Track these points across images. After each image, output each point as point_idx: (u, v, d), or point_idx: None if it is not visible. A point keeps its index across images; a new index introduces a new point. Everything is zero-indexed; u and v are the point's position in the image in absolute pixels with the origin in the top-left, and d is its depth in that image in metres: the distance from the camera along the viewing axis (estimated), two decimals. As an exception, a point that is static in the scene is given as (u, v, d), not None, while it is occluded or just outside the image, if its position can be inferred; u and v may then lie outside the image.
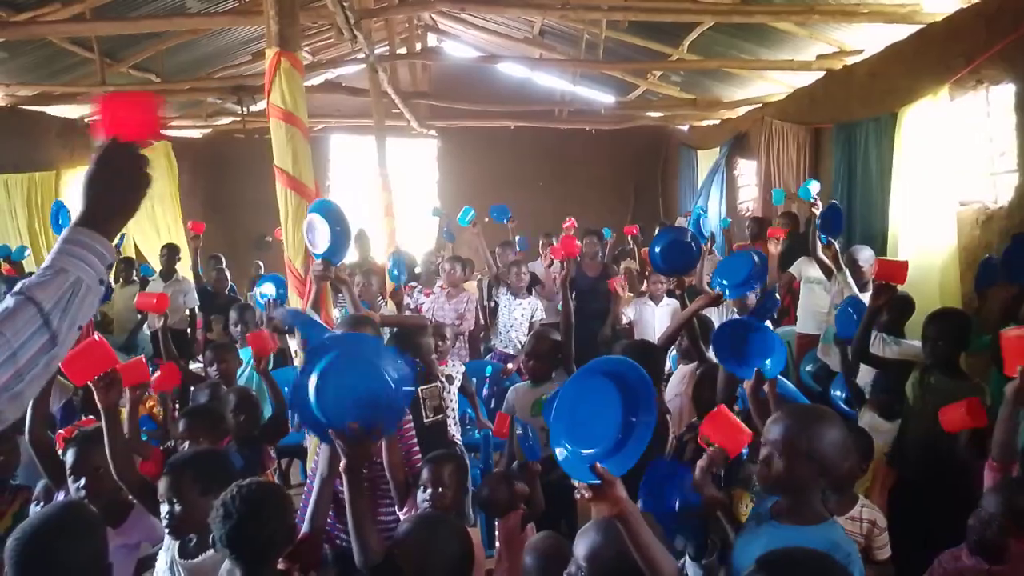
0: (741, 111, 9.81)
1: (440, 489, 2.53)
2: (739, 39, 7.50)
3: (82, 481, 2.34)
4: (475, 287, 6.14)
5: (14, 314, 1.13)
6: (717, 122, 10.85)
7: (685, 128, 12.16)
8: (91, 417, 3.13)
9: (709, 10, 5.83)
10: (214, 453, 2.46)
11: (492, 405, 5.00)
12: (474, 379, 4.96)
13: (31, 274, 1.19)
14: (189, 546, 2.13)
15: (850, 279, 4.63)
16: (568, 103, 10.87)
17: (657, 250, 3.90)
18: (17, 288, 1.16)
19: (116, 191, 1.28)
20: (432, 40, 12.72)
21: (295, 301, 3.85)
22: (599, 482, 1.52)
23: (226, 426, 3.06)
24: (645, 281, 6.08)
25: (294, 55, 3.87)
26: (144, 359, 2.86)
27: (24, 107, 8.23)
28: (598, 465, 1.53)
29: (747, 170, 9.80)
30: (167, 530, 2.13)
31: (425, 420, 3.47)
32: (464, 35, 11.85)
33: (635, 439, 1.62)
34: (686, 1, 5.68)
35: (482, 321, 5.92)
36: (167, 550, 2.16)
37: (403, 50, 10.51)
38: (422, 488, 2.56)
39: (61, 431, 2.89)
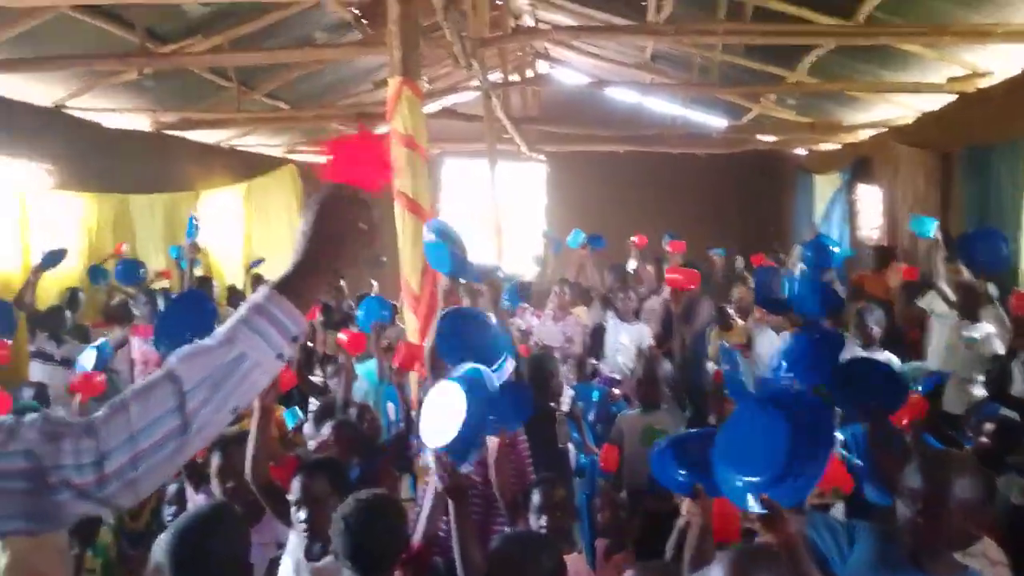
0: (863, 135, 9.45)
1: (558, 515, 2.54)
2: (860, 61, 7.24)
3: (229, 484, 2.48)
4: (583, 312, 6.14)
5: (150, 390, 1.02)
6: (838, 146, 10.47)
7: (802, 152, 11.81)
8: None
9: (830, 32, 5.67)
10: (341, 462, 2.58)
11: (599, 430, 4.98)
12: (580, 403, 4.96)
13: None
14: (314, 549, 2.24)
15: (1003, 312, 4.33)
16: (679, 127, 10.78)
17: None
18: (172, 356, 1.07)
19: (335, 244, 1.15)
20: (543, 67, 12.94)
21: (409, 319, 3.99)
22: (766, 512, 1.52)
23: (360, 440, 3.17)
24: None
25: (415, 83, 4.06)
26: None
27: (167, 132, 8.91)
28: (765, 496, 1.53)
29: (870, 197, 9.40)
30: (303, 532, 2.25)
31: (560, 446, 3.49)
32: (575, 61, 11.98)
33: (809, 473, 1.59)
34: (806, 23, 5.54)
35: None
36: (292, 553, 2.29)
37: (515, 77, 10.74)
38: (536, 513, 2.58)
39: None
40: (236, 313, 1.10)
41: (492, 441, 2.84)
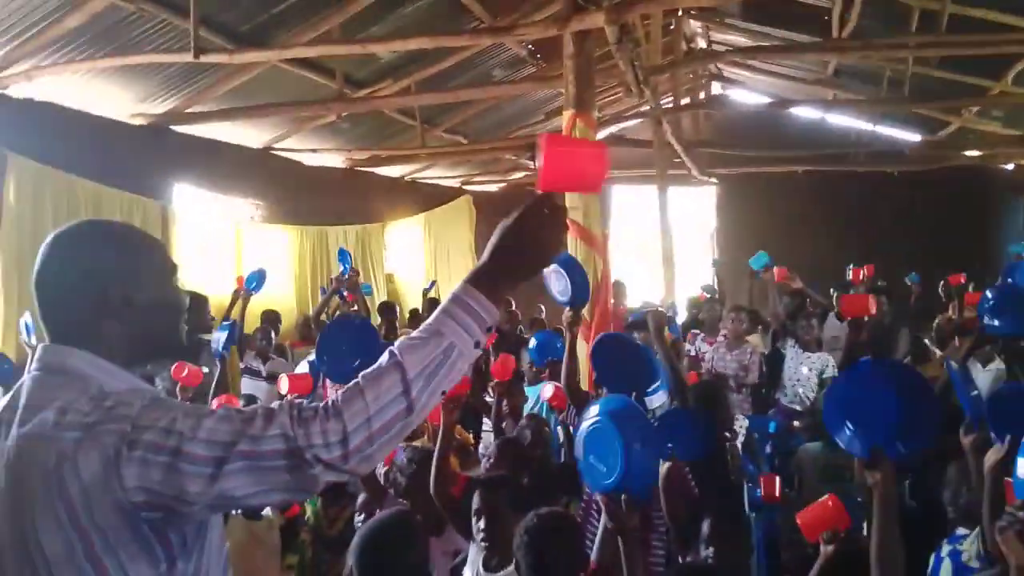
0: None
1: (726, 547, 2.50)
2: (1080, 66, 6.53)
3: (414, 498, 2.66)
4: (758, 339, 5.93)
5: (380, 378, 1.15)
6: (1052, 160, 9.44)
7: (1010, 167, 10.73)
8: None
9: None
10: (516, 479, 2.68)
11: (776, 463, 4.78)
12: (756, 435, 4.80)
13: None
14: (493, 561, 2.35)
15: None
16: (865, 144, 10.16)
17: None
18: (393, 348, 1.19)
19: (528, 249, 1.23)
20: (717, 88, 12.69)
21: (580, 346, 4.06)
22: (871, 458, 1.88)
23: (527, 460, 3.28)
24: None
25: (588, 115, 4.17)
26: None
27: (359, 168, 9.66)
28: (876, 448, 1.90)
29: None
30: (482, 544, 2.37)
31: (732, 478, 3.43)
32: (751, 81, 11.66)
33: (919, 438, 2.00)
34: (1011, 30, 5.08)
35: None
36: (472, 564, 2.41)
37: (687, 99, 10.63)
38: (704, 543, 2.55)
39: None
40: (442, 307, 1.20)
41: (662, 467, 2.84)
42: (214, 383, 3.86)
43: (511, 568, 2.29)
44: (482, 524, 2.35)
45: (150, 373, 3.84)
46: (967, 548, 2.35)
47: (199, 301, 4.54)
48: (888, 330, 4.88)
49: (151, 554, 1.17)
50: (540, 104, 10.19)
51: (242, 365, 5.88)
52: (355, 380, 1.17)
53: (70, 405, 1.17)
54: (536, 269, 1.25)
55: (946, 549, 2.43)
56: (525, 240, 1.22)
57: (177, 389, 3.51)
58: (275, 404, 1.17)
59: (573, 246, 4.14)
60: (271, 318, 6.70)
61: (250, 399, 4.77)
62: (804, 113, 11.46)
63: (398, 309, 8.29)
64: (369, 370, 1.18)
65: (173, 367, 3.49)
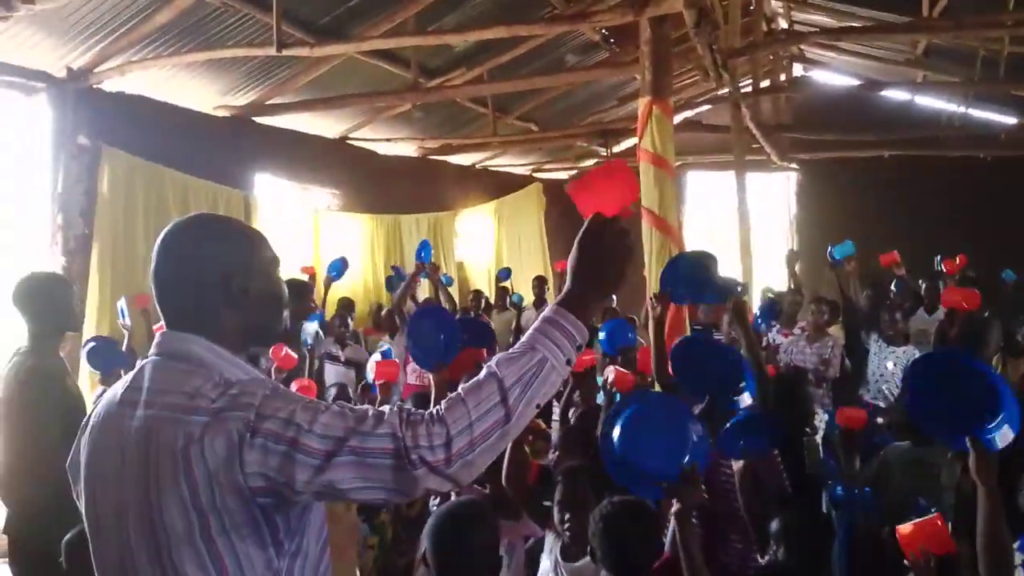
0: None
1: (796, 546, 2.44)
2: None
3: (488, 486, 2.69)
4: (838, 331, 5.74)
5: (479, 387, 1.23)
6: None
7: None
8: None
9: None
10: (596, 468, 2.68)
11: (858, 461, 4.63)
12: (837, 430, 4.65)
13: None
14: (571, 549, 2.36)
15: None
16: (957, 127, 9.67)
17: None
18: (491, 361, 1.27)
19: (602, 268, 1.33)
20: (799, 69, 12.26)
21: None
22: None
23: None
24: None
25: (665, 102, 4.09)
26: None
27: (431, 157, 9.75)
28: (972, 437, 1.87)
29: None
30: (565, 532, 2.38)
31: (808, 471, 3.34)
32: (834, 62, 11.23)
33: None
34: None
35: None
36: (550, 552, 2.42)
37: (767, 82, 10.31)
38: (775, 542, 2.49)
39: None
40: (534, 327, 1.30)
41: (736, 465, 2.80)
42: (306, 370, 3.98)
43: (588, 559, 2.30)
44: (567, 515, 2.36)
45: (256, 354, 4.00)
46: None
47: (303, 289, 4.69)
48: (982, 323, 4.63)
49: (260, 536, 1.24)
50: (613, 89, 10.06)
51: (322, 351, 6.05)
52: (457, 392, 1.24)
53: (197, 391, 1.25)
54: (616, 286, 1.35)
55: (1019, 558, 2.30)
56: (601, 263, 1.33)
57: (272, 369, 3.64)
58: (386, 408, 1.24)
59: (648, 234, 4.09)
60: (347, 305, 6.85)
61: (342, 387, 4.90)
62: (891, 95, 10.98)
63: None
64: (469, 383, 1.25)
65: (272, 348, 3.60)
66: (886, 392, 4.92)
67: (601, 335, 4.65)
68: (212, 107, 6.51)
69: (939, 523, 2.14)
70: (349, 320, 6.62)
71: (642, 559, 2.00)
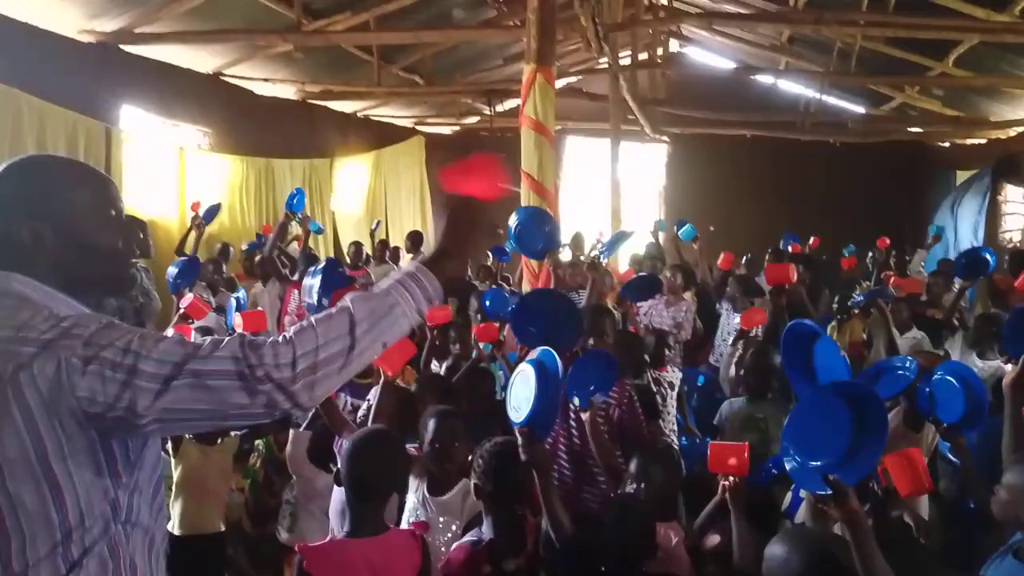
0: (1014, 131, 8.89)
1: (644, 486, 2.71)
2: (1014, 53, 6.83)
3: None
4: (692, 297, 6.19)
5: (330, 318, 1.32)
6: (983, 141, 9.88)
7: (945, 146, 11.19)
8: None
9: (976, 28, 5.39)
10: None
11: (702, 415, 5.07)
12: (685, 387, 5.06)
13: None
14: (438, 485, 2.54)
15: None
16: (813, 114, 10.45)
17: None
18: (345, 298, 1.36)
19: (462, 239, 1.56)
20: (675, 45, 12.76)
21: (527, 288, 4.24)
22: (830, 492, 1.70)
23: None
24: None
25: (548, 70, 4.25)
26: None
27: (311, 101, 9.49)
28: (831, 476, 1.71)
29: (1016, 197, 8.84)
30: (432, 468, 2.55)
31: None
32: (708, 41, 11.77)
33: (867, 454, 1.78)
34: (953, 17, 5.30)
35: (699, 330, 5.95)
36: (416, 490, 2.58)
37: (645, 55, 10.69)
38: (630, 481, 2.76)
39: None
40: (396, 273, 1.44)
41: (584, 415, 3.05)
42: (175, 315, 3.92)
43: (454, 492, 2.52)
44: (438, 453, 2.52)
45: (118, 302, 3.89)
46: None
47: (136, 225, 4.48)
48: (808, 292, 5.16)
49: (97, 464, 1.26)
50: (500, 48, 10.13)
51: (191, 295, 5.89)
52: (308, 319, 1.32)
53: (24, 323, 1.24)
54: (472, 253, 1.52)
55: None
56: (457, 235, 1.56)
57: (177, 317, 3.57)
58: (228, 335, 1.31)
59: (526, 196, 4.26)
60: (223, 251, 6.67)
61: (206, 331, 4.80)
62: (758, 79, 11.69)
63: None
64: (322, 313, 1.34)
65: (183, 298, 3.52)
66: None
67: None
68: (77, 31, 6.07)
69: (744, 451, 2.33)
70: (223, 266, 6.45)
71: (519, 490, 2.20)
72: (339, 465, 2.14)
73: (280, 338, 1.27)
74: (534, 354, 2.36)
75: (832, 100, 11.05)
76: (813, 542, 1.83)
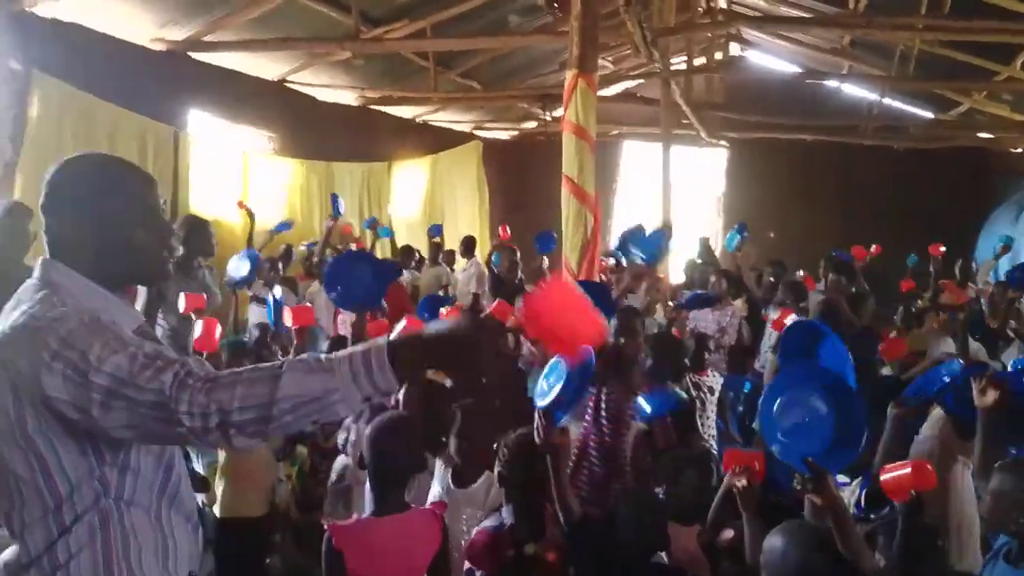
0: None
1: (672, 488, 2.74)
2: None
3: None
4: (742, 304, 6.16)
5: (256, 382, 1.25)
6: (1056, 147, 9.50)
7: (1017, 151, 10.78)
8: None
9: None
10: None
11: (747, 422, 5.05)
12: (731, 393, 5.05)
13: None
14: (463, 476, 2.65)
15: None
16: (875, 118, 10.21)
17: None
18: (286, 362, 1.29)
19: (461, 354, 1.30)
20: (735, 49, 12.64)
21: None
22: (811, 475, 1.82)
23: None
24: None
25: (590, 76, 4.33)
26: None
27: (371, 107, 9.76)
28: (810, 460, 1.83)
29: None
30: (458, 460, 2.68)
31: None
32: (768, 45, 11.63)
33: (847, 448, 1.93)
34: (1013, 20, 5.16)
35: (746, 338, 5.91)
36: (441, 479, 2.69)
37: (702, 59, 10.64)
38: (660, 483, 2.80)
39: None
40: (353, 349, 1.30)
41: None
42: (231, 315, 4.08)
43: (478, 484, 2.62)
44: (464, 445, 2.63)
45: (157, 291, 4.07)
46: (846, 496, 2.62)
47: (199, 225, 4.73)
48: (851, 301, 5.09)
49: (78, 442, 1.35)
50: (556, 53, 10.19)
51: (251, 293, 6.15)
52: (244, 369, 1.30)
53: (29, 310, 1.37)
54: (454, 369, 1.41)
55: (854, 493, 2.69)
56: (461, 345, 1.29)
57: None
58: (178, 360, 1.31)
59: (566, 200, 4.35)
60: (286, 252, 6.96)
61: (263, 328, 5.02)
62: (819, 81, 11.46)
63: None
64: (262, 366, 1.32)
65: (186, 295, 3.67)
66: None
67: None
68: (148, 39, 6.42)
69: (760, 459, 2.36)
70: (280, 265, 6.73)
71: (540, 483, 2.29)
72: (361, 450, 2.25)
73: (208, 382, 1.26)
74: None
75: (897, 104, 10.77)
76: (810, 535, 1.87)
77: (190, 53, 6.78)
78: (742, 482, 2.23)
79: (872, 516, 2.52)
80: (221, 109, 7.49)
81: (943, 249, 7.48)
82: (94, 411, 1.28)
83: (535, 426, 2.26)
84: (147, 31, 6.34)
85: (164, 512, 1.47)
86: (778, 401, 2.10)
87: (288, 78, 8.32)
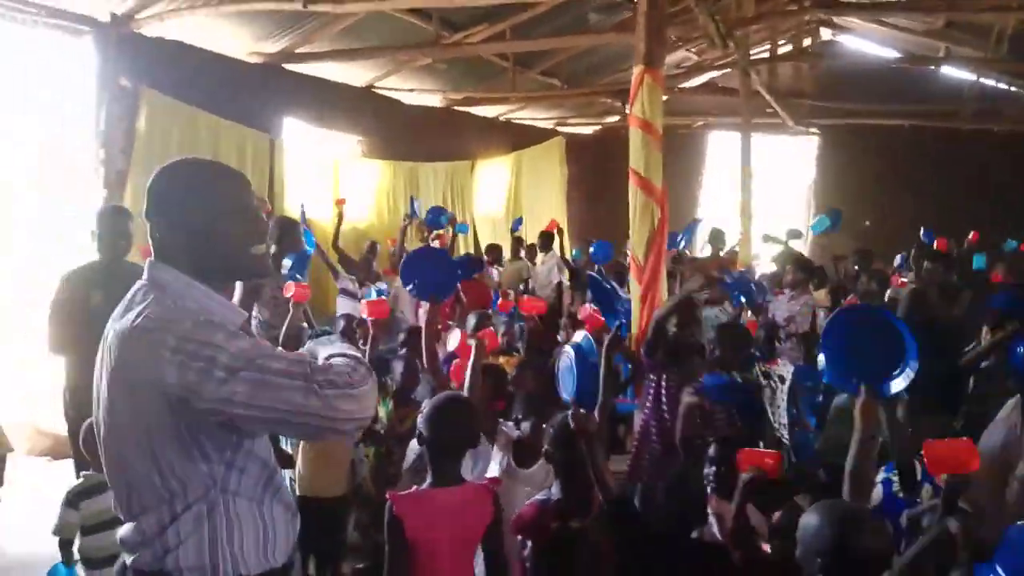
0: None
1: (723, 470, 2.81)
2: None
3: None
4: (825, 295, 6.06)
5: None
6: None
7: None
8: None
9: None
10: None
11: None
12: (808, 383, 5.01)
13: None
14: (525, 457, 2.82)
15: None
16: (973, 100, 9.73)
17: None
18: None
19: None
20: (827, 34, 12.26)
21: (633, 287, 4.41)
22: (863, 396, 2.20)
23: None
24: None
25: (657, 71, 4.40)
26: None
27: (455, 108, 10.05)
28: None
29: None
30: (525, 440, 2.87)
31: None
32: (860, 28, 11.23)
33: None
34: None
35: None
36: (499, 462, 2.87)
37: (789, 46, 10.40)
38: (708, 464, 2.89)
39: None
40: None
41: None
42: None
43: (539, 465, 2.79)
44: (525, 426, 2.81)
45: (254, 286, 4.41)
46: (899, 481, 2.63)
47: (291, 225, 5.09)
48: (942, 291, 4.94)
49: (186, 448, 1.46)
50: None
51: (340, 286, 6.51)
52: (349, 357, 1.57)
53: (143, 312, 1.47)
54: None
55: (880, 475, 2.69)
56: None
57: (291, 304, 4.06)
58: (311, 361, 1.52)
59: (633, 193, 4.43)
60: (371, 247, 7.33)
61: (348, 318, 5.33)
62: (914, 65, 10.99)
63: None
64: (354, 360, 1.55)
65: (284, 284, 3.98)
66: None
67: None
68: (245, 54, 6.88)
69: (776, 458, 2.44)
70: (371, 261, 7.09)
71: (584, 462, 2.43)
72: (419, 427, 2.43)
73: (319, 380, 1.45)
74: (578, 338, 2.59)
75: (997, 86, 10.21)
76: (845, 514, 1.93)
77: (284, 65, 7.22)
78: (748, 475, 2.29)
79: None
80: (313, 116, 7.93)
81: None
82: (208, 386, 1.38)
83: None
84: (245, 45, 6.80)
85: (267, 502, 1.58)
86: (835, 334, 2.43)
87: (375, 84, 8.70)
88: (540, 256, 8.69)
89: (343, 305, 5.90)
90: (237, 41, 6.70)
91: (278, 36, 6.89)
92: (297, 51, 7.13)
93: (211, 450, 1.48)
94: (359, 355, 1.59)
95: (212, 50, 6.53)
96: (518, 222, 9.44)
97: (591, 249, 6.93)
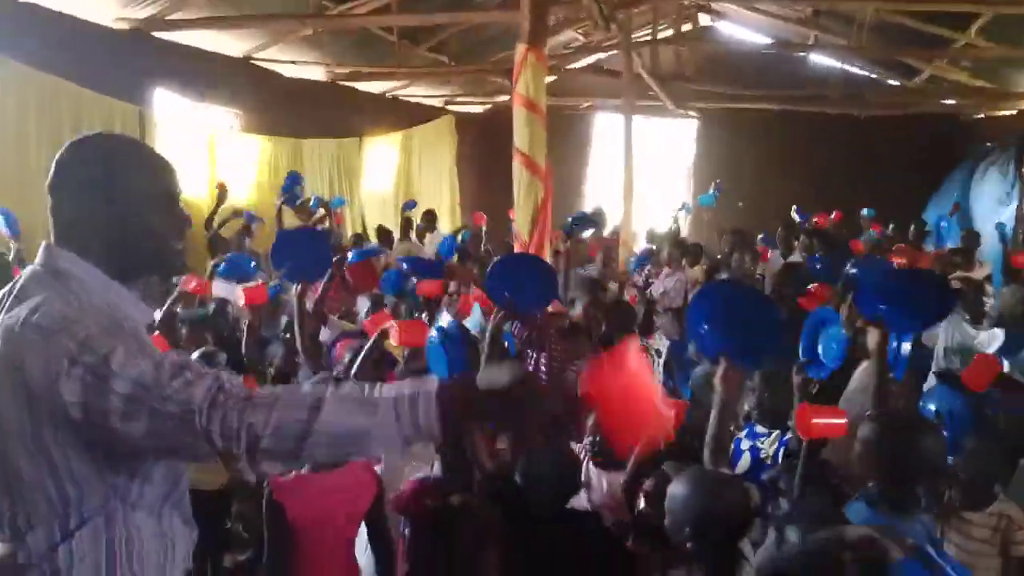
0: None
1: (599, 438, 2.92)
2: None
3: None
4: (700, 271, 6.34)
5: (294, 407, 1.20)
6: (1014, 113, 9.70)
7: (979, 117, 10.97)
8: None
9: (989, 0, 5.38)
10: None
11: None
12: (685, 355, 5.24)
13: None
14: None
15: None
16: (839, 86, 10.35)
17: None
18: (329, 392, 1.23)
19: (510, 412, 1.29)
20: (705, 19, 12.69)
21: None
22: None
23: None
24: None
25: (540, 50, 4.43)
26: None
27: (340, 83, 9.77)
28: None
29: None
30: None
31: None
32: (735, 14, 11.70)
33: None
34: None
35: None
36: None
37: (670, 31, 10.70)
38: (588, 433, 2.99)
39: None
40: (400, 390, 1.24)
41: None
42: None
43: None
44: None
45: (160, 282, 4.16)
46: (767, 447, 2.80)
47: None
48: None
49: (91, 452, 1.28)
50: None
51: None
52: (282, 391, 1.27)
53: (40, 306, 1.28)
54: (503, 426, 1.56)
55: (746, 443, 2.87)
56: (514, 405, 1.28)
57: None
58: (211, 373, 1.27)
59: (518, 173, 4.47)
60: (246, 228, 7.05)
61: (222, 303, 5.12)
62: (785, 51, 11.59)
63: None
64: (299, 389, 1.31)
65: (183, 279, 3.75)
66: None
67: None
68: (112, 19, 6.44)
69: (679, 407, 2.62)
70: (247, 240, 6.83)
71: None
72: None
73: (240, 402, 1.22)
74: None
75: (862, 73, 10.91)
76: (712, 481, 2.04)
77: (153, 32, 6.81)
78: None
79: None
80: (186, 88, 7.52)
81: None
82: (114, 420, 1.22)
83: None
84: (109, 11, 6.35)
85: (166, 513, 1.43)
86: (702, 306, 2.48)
87: (254, 55, 8.34)
88: (428, 236, 8.65)
89: (219, 288, 5.68)
90: (101, 6, 6.25)
91: (147, 1, 6.47)
92: (168, 18, 6.73)
93: (119, 457, 1.32)
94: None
95: (73, 14, 6.06)
96: (411, 204, 9.34)
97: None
